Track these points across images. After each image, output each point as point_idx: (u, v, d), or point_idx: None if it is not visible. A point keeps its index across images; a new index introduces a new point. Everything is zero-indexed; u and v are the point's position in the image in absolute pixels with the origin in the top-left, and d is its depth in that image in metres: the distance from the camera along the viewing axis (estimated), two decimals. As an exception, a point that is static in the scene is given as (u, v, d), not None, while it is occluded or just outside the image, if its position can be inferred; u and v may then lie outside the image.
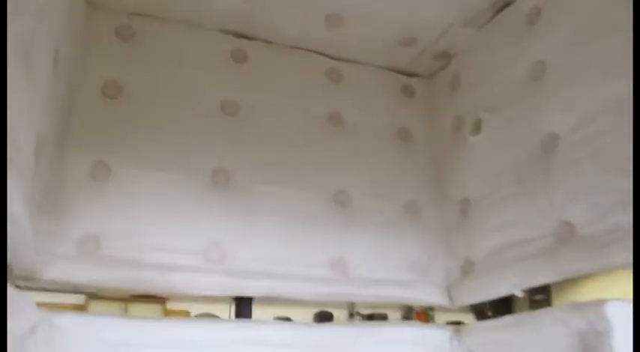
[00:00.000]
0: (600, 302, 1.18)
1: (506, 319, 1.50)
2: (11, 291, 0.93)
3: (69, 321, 1.24)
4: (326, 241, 1.64)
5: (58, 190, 1.33)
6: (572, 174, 1.31)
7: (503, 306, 1.62)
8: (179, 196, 1.47)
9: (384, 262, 1.70)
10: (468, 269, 1.65)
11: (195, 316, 4.36)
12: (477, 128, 1.72)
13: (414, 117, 1.94)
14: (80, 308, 7.34)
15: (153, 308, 5.25)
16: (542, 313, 1.38)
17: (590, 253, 1.25)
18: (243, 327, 1.49)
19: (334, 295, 1.65)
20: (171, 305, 5.20)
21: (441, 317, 4.09)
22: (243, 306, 1.65)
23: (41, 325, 1.16)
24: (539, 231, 1.39)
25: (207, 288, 1.43)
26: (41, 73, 1.02)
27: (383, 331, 1.68)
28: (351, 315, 4.56)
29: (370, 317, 4.27)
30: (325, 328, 1.66)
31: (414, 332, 1.67)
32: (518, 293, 1.44)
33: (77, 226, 1.34)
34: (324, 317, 4.19)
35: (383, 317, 3.93)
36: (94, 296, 7.17)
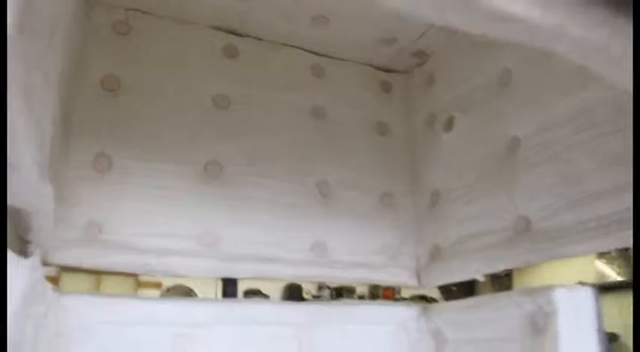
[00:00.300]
0: (548, 288, 1.37)
1: (469, 301, 1.69)
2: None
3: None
4: (308, 227, 1.79)
5: (64, 179, 1.43)
6: (531, 175, 1.48)
7: (467, 288, 1.81)
8: (175, 187, 1.59)
9: (359, 247, 1.86)
10: (435, 254, 1.83)
11: (168, 289, 4.47)
12: (448, 126, 1.87)
13: (391, 111, 2.09)
14: (53, 281, 7.38)
15: (126, 281, 5.34)
16: (500, 296, 1.57)
17: (543, 245, 1.43)
18: (227, 305, 1.65)
19: (314, 277, 1.81)
20: (143, 278, 5.30)
21: (406, 292, 4.31)
22: (229, 285, 1.80)
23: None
24: (500, 224, 1.56)
25: (201, 271, 1.57)
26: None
27: (355, 309, 1.85)
28: (320, 288, 4.74)
29: (338, 291, 4.46)
30: (301, 306, 1.83)
31: (384, 311, 1.85)
32: (480, 278, 1.62)
33: (81, 213, 1.45)
34: (293, 290, 4.36)
35: (351, 291, 4.13)
36: (66, 269, 7.22)
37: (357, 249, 1.85)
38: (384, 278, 1.89)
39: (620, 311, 7.35)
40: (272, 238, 1.70)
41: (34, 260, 0.96)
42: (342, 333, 1.71)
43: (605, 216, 1.26)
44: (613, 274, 7.91)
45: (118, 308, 1.44)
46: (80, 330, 1.36)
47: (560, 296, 1.34)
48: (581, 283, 6.69)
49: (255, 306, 1.72)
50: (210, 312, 1.59)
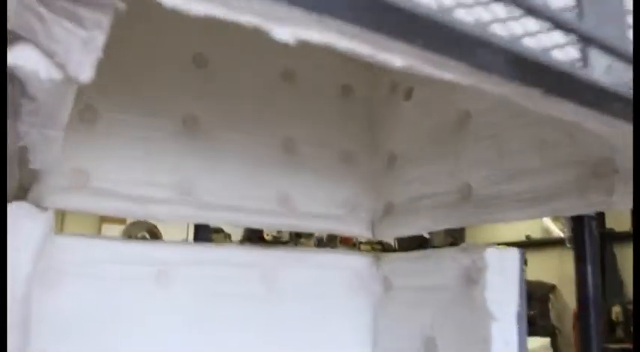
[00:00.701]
0: (481, 247, 1.61)
1: (415, 253, 1.93)
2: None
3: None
4: (275, 181, 1.96)
5: (53, 130, 1.54)
6: (476, 148, 1.69)
7: (419, 242, 2.05)
8: (156, 139, 1.72)
9: (321, 200, 2.05)
10: (389, 210, 2.05)
11: (132, 223, 4.63)
12: (408, 95, 2.05)
13: (356, 75, 2.24)
14: None
15: (89, 218, 5.45)
16: (441, 251, 1.81)
17: (483, 210, 1.66)
18: (200, 248, 1.84)
19: (280, 226, 2.00)
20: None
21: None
22: (201, 230, 1.98)
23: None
24: (447, 188, 1.78)
25: (180, 217, 1.73)
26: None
27: (317, 256, 2.07)
28: (279, 231, 5.01)
29: (297, 233, 4.76)
30: (268, 251, 2.04)
31: (342, 258, 2.08)
32: (426, 234, 1.85)
33: (69, 162, 1.57)
34: (254, 230, 4.63)
35: (309, 235, 4.43)
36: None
37: (319, 202, 2.04)
38: (342, 229, 2.11)
39: (559, 264, 8.02)
40: (241, 190, 1.87)
41: (49, 213, 1.10)
42: (304, 276, 1.94)
43: (536, 190, 1.49)
44: (557, 230, 8.52)
45: (104, 249, 1.60)
46: (65, 271, 1.51)
47: (490, 255, 1.59)
48: (528, 237, 7.22)
49: (225, 249, 1.92)
50: (183, 254, 1.77)
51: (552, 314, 7.88)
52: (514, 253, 1.63)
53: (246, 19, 0.46)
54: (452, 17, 0.51)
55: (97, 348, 1.53)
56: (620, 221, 6.91)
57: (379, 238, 2.10)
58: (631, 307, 6.22)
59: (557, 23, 0.58)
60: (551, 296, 8.13)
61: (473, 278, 1.62)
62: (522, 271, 1.63)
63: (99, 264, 1.57)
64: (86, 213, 1.61)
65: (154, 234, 4.87)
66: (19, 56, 0.49)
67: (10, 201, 1.18)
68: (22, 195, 1.31)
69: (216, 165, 1.84)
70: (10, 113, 0.68)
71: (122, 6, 0.50)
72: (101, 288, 1.57)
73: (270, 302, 1.87)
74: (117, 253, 1.63)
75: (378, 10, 0.48)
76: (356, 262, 2.05)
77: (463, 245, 1.73)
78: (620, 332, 6.23)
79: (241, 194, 1.87)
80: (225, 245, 1.92)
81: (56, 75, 0.55)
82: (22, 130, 0.86)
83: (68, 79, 0.56)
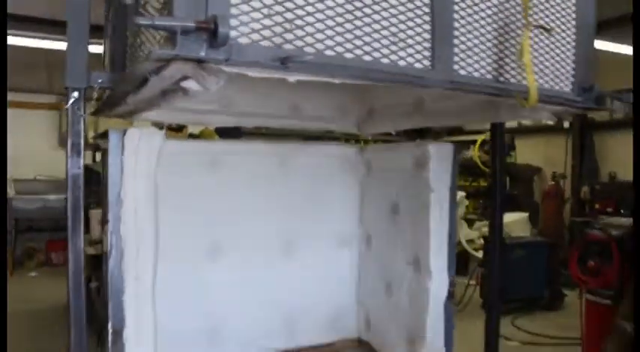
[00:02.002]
0: (427, 143, 2.39)
1: (387, 145, 2.73)
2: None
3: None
4: (287, 94, 2.70)
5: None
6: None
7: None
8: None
9: (322, 106, 2.81)
10: (370, 114, 2.81)
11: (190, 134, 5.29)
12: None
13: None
14: (54, 107, 8.16)
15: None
16: (404, 144, 2.60)
17: (428, 118, 2.42)
18: (239, 143, 2.65)
19: (292, 125, 2.79)
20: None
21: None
22: (234, 133, 2.79)
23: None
24: (407, 101, 2.52)
25: (223, 122, 2.52)
26: None
27: (318, 146, 2.88)
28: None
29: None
30: (285, 143, 2.84)
31: (335, 148, 2.89)
32: (393, 132, 2.64)
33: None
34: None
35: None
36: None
37: (320, 108, 2.80)
38: (336, 127, 2.89)
39: (546, 149, 8.97)
40: (265, 100, 2.63)
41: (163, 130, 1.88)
42: (308, 161, 2.76)
43: (462, 107, 2.23)
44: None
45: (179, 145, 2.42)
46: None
47: (432, 148, 2.38)
48: (519, 124, 7.98)
49: (253, 144, 2.73)
50: (226, 147, 2.59)
51: (535, 193, 8.86)
52: (449, 147, 2.42)
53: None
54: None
55: (173, 208, 2.38)
56: (599, 113, 7.61)
57: (362, 133, 2.88)
58: (598, 187, 7.12)
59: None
60: (535, 177, 9.07)
61: (421, 164, 2.43)
62: (455, 159, 2.42)
63: (174, 155, 2.38)
64: (162, 122, 2.40)
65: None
66: (190, 83, 1.21)
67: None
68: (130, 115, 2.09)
69: (247, 87, 2.58)
70: (166, 94, 1.42)
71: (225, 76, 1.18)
72: (173, 171, 2.39)
73: (284, 179, 2.71)
74: (181, 148, 2.45)
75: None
76: (346, 151, 2.87)
77: (417, 141, 2.52)
78: (587, 209, 7.21)
79: (264, 104, 2.63)
80: (253, 141, 2.69)
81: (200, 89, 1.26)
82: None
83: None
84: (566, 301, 5.69)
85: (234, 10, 1.11)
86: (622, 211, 6.40)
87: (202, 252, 2.54)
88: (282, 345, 2.73)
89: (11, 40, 6.09)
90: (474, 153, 8.66)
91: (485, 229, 7.39)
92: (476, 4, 1.48)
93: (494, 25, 1.52)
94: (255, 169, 2.66)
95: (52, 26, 6.47)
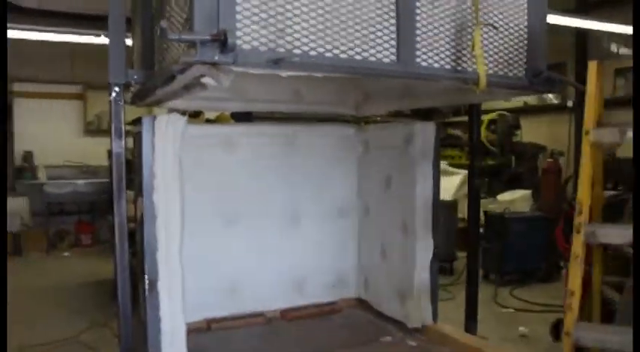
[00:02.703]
0: (414, 122, 2.74)
1: (382, 124, 3.08)
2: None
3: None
4: (290, 83, 3.06)
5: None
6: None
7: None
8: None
9: (323, 93, 3.16)
10: (366, 98, 3.16)
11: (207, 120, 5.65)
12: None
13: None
14: (79, 97, 8.60)
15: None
16: (395, 124, 2.96)
17: (414, 99, 2.76)
18: (250, 125, 3.03)
19: (295, 109, 3.15)
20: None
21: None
22: (244, 117, 3.16)
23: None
24: (397, 86, 2.87)
25: (234, 109, 2.90)
26: None
27: (321, 126, 3.25)
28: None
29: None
30: (290, 124, 3.21)
31: (337, 128, 3.25)
32: (384, 113, 2.99)
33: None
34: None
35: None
36: (89, 87, 8.41)
37: (321, 94, 3.16)
38: (339, 111, 3.25)
39: (550, 128, 9.18)
40: (271, 88, 2.99)
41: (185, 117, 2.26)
42: (312, 140, 3.13)
43: (440, 90, 2.58)
44: (551, 97, 9.48)
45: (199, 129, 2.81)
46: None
47: (418, 127, 2.73)
48: (525, 103, 8.29)
49: (263, 126, 3.11)
50: (239, 129, 2.97)
51: (540, 171, 9.12)
52: (432, 126, 2.76)
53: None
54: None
55: (195, 183, 2.75)
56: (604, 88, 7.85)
57: (360, 115, 3.24)
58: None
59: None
60: (540, 155, 9.32)
61: (409, 141, 2.79)
62: (438, 137, 2.77)
63: (195, 137, 2.76)
64: (185, 109, 2.78)
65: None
66: (207, 80, 1.58)
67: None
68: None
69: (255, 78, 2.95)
70: (188, 88, 1.79)
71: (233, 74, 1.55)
72: (194, 151, 2.77)
73: (291, 157, 3.08)
74: (201, 131, 2.83)
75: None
76: (346, 130, 3.23)
77: (405, 121, 2.87)
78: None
79: (271, 91, 2.99)
80: (262, 123, 3.05)
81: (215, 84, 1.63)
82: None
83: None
84: (562, 273, 6.02)
85: (238, 25, 1.47)
86: (619, 187, 6.66)
87: (220, 222, 2.94)
88: (290, 303, 3.13)
89: (36, 36, 6.51)
90: (481, 132, 8.96)
91: (492, 206, 7.74)
92: (435, 7, 1.82)
93: (452, 24, 1.86)
94: (265, 149, 3.04)
95: (75, 20, 6.89)
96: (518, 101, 9.68)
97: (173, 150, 2.23)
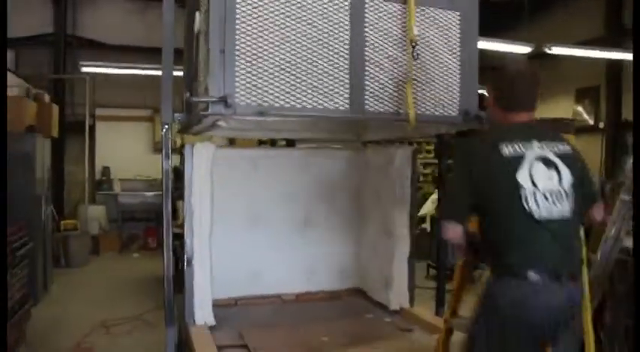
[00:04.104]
0: (394, 146, 3.53)
1: (375, 147, 3.88)
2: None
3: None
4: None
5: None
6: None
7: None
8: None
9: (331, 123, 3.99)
10: (364, 128, 3.97)
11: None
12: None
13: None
14: (149, 119, 9.79)
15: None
16: (383, 147, 3.75)
17: (389, 131, 3.55)
18: (270, 150, 3.91)
19: (312, 137, 4.00)
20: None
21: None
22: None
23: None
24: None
25: (258, 136, 3.79)
26: None
27: (329, 150, 4.09)
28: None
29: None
30: (301, 150, 4.06)
31: (343, 151, 4.08)
32: (378, 139, 3.79)
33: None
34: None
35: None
36: (157, 111, 9.65)
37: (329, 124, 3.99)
38: (342, 137, 4.07)
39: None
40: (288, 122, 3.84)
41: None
42: (322, 161, 3.97)
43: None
44: (586, 117, 9.98)
45: (226, 151, 3.72)
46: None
47: (395, 150, 3.50)
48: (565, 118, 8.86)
49: (281, 150, 4.00)
50: (262, 153, 3.85)
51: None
52: (409, 149, 3.54)
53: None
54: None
55: (227, 192, 3.63)
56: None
57: (360, 141, 4.04)
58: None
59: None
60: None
61: (390, 161, 3.57)
62: (414, 158, 3.53)
63: (227, 158, 3.66)
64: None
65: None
66: (221, 123, 2.45)
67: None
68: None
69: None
70: (212, 126, 2.67)
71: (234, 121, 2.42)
72: (226, 169, 3.66)
73: (305, 174, 3.93)
74: (232, 154, 3.74)
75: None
76: (349, 153, 4.05)
77: (396, 144, 3.66)
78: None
79: (287, 123, 3.85)
80: (280, 148, 3.90)
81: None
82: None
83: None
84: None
85: (237, 90, 2.34)
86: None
87: (247, 222, 3.81)
88: (303, 289, 3.94)
89: (119, 71, 7.79)
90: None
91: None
92: (380, 68, 2.63)
93: (393, 80, 2.65)
94: (283, 167, 3.90)
95: (144, 53, 8.07)
96: (553, 123, 10.12)
97: (206, 167, 3.13)
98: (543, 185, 2.00)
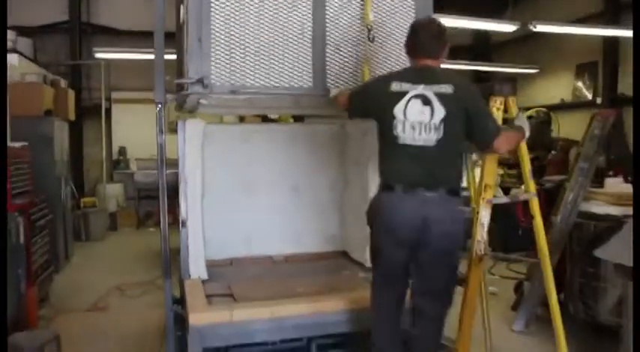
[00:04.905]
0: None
1: (355, 122, 4.26)
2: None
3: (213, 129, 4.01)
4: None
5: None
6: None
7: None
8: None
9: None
10: (346, 104, 4.34)
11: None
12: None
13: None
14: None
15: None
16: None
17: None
18: (261, 125, 4.31)
19: (298, 113, 4.38)
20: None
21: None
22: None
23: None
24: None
25: (248, 113, 4.19)
26: None
27: (314, 125, 4.47)
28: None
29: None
30: (289, 124, 4.45)
31: (326, 126, 4.46)
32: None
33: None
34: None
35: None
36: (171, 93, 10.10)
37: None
38: (327, 112, 4.44)
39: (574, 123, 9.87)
40: (275, 99, 4.24)
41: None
42: (308, 134, 4.35)
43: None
44: (586, 94, 10.18)
45: (216, 127, 4.13)
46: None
47: (370, 124, 3.88)
48: (562, 100, 9.20)
49: (271, 125, 4.39)
50: (253, 127, 4.26)
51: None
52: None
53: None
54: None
55: (220, 164, 4.06)
56: (630, 87, 8.50)
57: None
58: (613, 157, 7.97)
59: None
60: (572, 150, 9.91)
61: (365, 133, 3.93)
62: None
63: (223, 133, 4.07)
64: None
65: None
66: (202, 101, 2.85)
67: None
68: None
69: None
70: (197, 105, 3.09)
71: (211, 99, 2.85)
72: (222, 142, 4.08)
73: (292, 147, 4.31)
74: (227, 128, 4.15)
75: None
76: (332, 127, 4.43)
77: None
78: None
79: (275, 100, 4.24)
80: (270, 123, 4.30)
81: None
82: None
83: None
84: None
85: (212, 72, 2.74)
86: (629, 178, 7.29)
87: (239, 189, 4.23)
88: (291, 251, 4.36)
89: (128, 56, 8.24)
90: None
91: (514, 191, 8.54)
92: (341, 52, 3.00)
93: (352, 59, 3.03)
94: (273, 140, 4.30)
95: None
96: (554, 98, 10.35)
97: (197, 141, 3.55)
98: (413, 118, 2.47)
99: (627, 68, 8.85)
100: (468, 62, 11.69)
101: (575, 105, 9.96)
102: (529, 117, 9.91)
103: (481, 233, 2.58)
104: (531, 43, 10.42)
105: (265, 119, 5.30)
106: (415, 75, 2.56)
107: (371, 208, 2.69)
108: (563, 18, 9.49)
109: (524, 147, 2.72)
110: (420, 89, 2.48)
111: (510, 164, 10.85)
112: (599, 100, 9.22)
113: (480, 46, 12.05)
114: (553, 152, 8.43)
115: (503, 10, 9.45)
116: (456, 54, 11.43)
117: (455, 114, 2.47)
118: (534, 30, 7.75)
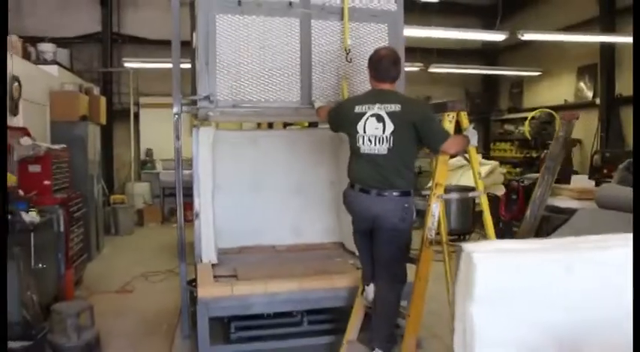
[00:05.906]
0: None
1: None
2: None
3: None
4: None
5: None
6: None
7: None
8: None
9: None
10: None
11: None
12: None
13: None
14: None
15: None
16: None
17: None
18: (268, 131, 4.92)
19: (297, 120, 4.97)
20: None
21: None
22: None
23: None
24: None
25: (255, 120, 4.81)
26: None
27: (311, 130, 5.06)
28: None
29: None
30: (291, 131, 5.04)
31: (321, 131, 5.03)
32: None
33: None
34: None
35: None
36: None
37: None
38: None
39: (586, 123, 10.38)
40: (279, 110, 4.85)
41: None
42: (307, 138, 4.94)
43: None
44: (588, 94, 10.59)
45: (226, 133, 4.77)
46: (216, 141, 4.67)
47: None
48: (566, 101, 9.72)
49: (276, 131, 5.00)
50: (261, 132, 4.87)
51: (575, 163, 10.11)
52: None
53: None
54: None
55: (231, 165, 4.68)
56: (627, 87, 8.88)
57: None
58: (608, 154, 8.35)
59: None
60: (574, 148, 10.28)
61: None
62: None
63: (233, 138, 4.69)
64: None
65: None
66: (210, 114, 3.45)
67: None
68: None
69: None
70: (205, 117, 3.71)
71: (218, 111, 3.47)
72: (232, 146, 4.69)
73: (294, 149, 4.91)
74: (237, 134, 4.78)
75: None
76: (329, 133, 4.99)
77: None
78: (596, 174, 8.46)
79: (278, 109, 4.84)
80: (276, 129, 4.89)
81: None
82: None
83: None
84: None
85: (217, 90, 3.36)
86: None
87: (249, 188, 4.83)
88: (293, 242, 4.95)
89: (154, 65, 8.93)
90: (525, 127, 10.16)
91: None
92: (325, 71, 3.59)
93: (333, 77, 3.61)
94: (277, 144, 4.89)
95: (183, 47, 9.18)
96: (558, 99, 10.73)
97: (208, 146, 4.17)
98: (370, 132, 3.08)
99: (624, 70, 9.22)
100: (477, 66, 12.16)
101: (577, 105, 10.33)
102: (533, 118, 10.40)
103: (432, 221, 3.09)
104: (536, 46, 10.81)
105: (271, 125, 5.94)
106: (373, 98, 3.14)
107: (343, 196, 3.40)
108: (559, 24, 9.91)
109: (473, 151, 3.25)
110: (376, 109, 3.07)
111: (515, 163, 11.35)
112: (598, 101, 9.59)
113: (489, 51, 12.47)
114: (546, 151, 8.85)
115: (505, 19, 9.88)
116: (467, 58, 11.99)
117: (403, 127, 3.01)
118: (522, 38, 8.22)
